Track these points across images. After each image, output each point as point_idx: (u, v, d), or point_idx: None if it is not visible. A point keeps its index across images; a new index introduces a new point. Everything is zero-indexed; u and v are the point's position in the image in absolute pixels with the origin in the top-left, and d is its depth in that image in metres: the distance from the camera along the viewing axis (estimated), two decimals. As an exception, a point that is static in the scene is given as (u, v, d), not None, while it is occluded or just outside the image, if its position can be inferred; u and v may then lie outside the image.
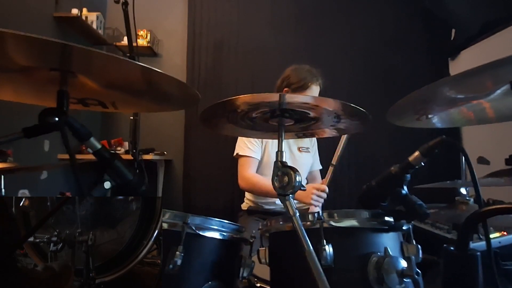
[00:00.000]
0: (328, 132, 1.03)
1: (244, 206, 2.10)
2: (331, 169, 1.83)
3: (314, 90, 1.88)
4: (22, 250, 0.70)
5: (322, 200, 1.75)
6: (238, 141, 1.98)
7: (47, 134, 0.74)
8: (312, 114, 0.86)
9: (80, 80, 0.77)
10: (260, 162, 1.95)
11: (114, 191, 0.78)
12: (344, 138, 1.76)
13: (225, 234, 0.92)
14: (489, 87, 0.75)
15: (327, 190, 1.75)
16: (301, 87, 1.85)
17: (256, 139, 1.93)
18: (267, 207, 1.99)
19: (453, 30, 3.17)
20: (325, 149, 2.29)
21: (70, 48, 0.61)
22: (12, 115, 1.97)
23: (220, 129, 1.04)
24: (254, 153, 1.91)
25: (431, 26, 3.29)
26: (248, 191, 2.01)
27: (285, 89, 1.89)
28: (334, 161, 1.82)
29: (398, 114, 0.92)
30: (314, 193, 1.70)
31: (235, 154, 1.97)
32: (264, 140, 1.95)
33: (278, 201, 1.88)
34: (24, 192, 2.26)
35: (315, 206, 1.72)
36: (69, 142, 0.76)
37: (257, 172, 1.93)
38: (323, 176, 2.09)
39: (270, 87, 2.07)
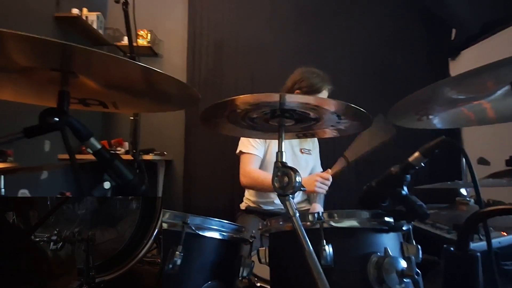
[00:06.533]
0: (329, 133, 1.03)
1: (243, 205, 2.10)
2: (342, 160, 1.84)
3: (325, 94, 1.90)
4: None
5: (326, 188, 1.76)
6: (241, 139, 1.98)
7: (47, 134, 0.74)
8: (312, 114, 0.86)
9: (80, 80, 0.77)
10: (263, 160, 1.95)
11: (114, 191, 0.78)
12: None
13: (225, 234, 0.92)
14: (490, 88, 0.75)
15: (330, 178, 1.76)
16: (314, 91, 1.87)
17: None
18: (265, 207, 1.99)
19: (454, 30, 3.17)
20: (325, 151, 2.29)
21: (71, 48, 0.61)
22: (13, 115, 1.97)
23: (220, 129, 1.04)
24: (257, 150, 1.91)
25: (431, 26, 3.29)
26: (249, 187, 2.01)
27: (297, 91, 1.89)
28: (347, 154, 1.81)
29: (399, 115, 0.92)
30: (317, 180, 1.71)
31: (237, 151, 1.97)
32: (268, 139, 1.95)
33: (277, 200, 1.89)
34: (24, 192, 2.26)
35: (320, 192, 1.75)
36: (70, 142, 0.76)
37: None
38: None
39: (271, 87, 2.06)
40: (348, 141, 1.81)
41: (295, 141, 2.03)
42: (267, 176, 1.80)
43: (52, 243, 0.72)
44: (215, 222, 0.90)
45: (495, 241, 1.37)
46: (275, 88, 2.03)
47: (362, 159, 1.78)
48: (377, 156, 2.85)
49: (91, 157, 0.80)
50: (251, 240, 1.00)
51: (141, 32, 3.29)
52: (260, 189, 1.94)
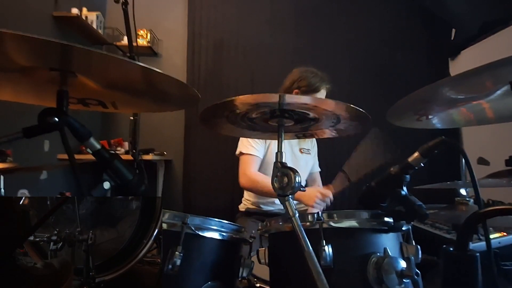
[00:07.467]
0: (328, 133, 1.03)
1: (242, 207, 2.09)
2: (341, 176, 1.82)
3: (323, 94, 1.91)
4: (22, 249, 0.71)
5: (324, 206, 1.75)
6: (241, 139, 1.98)
7: (47, 134, 0.74)
8: (312, 114, 0.86)
9: (80, 80, 0.77)
10: (263, 161, 1.95)
11: (114, 191, 0.78)
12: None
13: (224, 234, 0.92)
14: (489, 88, 0.75)
15: (331, 196, 1.75)
16: (312, 91, 1.88)
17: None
18: (265, 208, 1.98)
19: (453, 30, 3.17)
20: (324, 151, 2.29)
21: (70, 48, 0.61)
22: (12, 115, 1.97)
23: (220, 130, 1.04)
24: (257, 151, 1.91)
25: (431, 26, 3.29)
26: (249, 190, 2.00)
27: (295, 90, 1.89)
28: (348, 172, 1.79)
29: (398, 115, 0.92)
30: (317, 197, 1.70)
31: (237, 152, 1.96)
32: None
33: (277, 201, 1.88)
34: (23, 192, 2.26)
35: (316, 209, 1.71)
36: (69, 142, 0.76)
37: (259, 170, 1.92)
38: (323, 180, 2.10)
39: (270, 87, 2.07)
40: (348, 141, 1.79)
41: (294, 141, 2.03)
42: (267, 180, 1.78)
43: (52, 243, 0.72)
44: (214, 222, 0.90)
45: (495, 241, 1.38)
46: (275, 88, 2.02)
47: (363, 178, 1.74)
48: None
49: (90, 157, 0.80)
50: (250, 241, 1.00)
51: (140, 32, 3.29)
52: (259, 193, 1.93)
